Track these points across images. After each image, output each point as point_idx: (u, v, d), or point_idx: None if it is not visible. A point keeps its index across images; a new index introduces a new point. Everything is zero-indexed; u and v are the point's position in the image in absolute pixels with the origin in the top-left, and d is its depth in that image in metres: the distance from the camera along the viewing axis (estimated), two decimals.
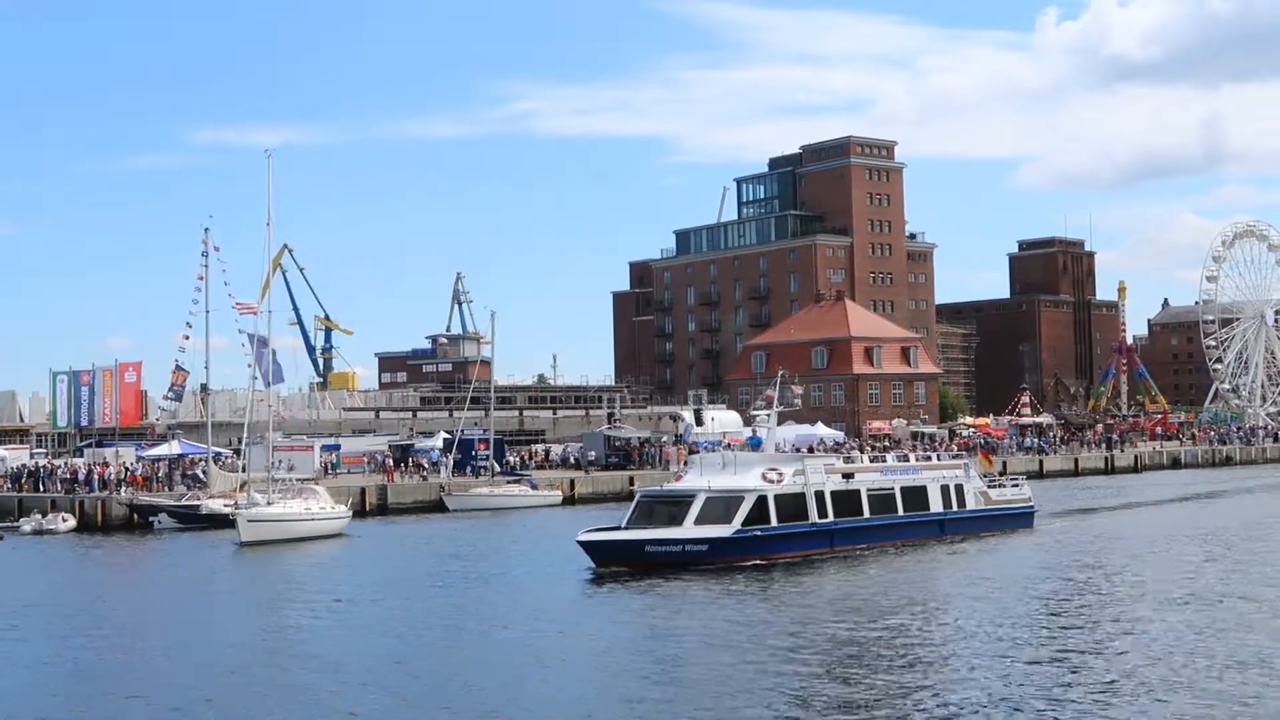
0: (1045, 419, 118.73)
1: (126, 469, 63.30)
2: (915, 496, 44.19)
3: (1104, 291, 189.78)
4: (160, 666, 25.78)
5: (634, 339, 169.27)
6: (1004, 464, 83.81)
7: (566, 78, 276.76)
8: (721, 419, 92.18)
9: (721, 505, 38.75)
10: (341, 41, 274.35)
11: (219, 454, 66.30)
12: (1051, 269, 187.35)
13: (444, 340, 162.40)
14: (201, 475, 61.74)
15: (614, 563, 37.52)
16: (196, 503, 57.07)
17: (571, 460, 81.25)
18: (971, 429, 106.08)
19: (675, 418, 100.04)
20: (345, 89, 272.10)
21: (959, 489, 45.89)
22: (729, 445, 57.45)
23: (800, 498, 40.22)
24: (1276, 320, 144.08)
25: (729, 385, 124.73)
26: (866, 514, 42.31)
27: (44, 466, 66.44)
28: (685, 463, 49.05)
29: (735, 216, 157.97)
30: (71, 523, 56.41)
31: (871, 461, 48.89)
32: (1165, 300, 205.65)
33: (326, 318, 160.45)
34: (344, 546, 48.80)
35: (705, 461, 43.66)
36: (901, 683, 22.22)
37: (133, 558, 48.73)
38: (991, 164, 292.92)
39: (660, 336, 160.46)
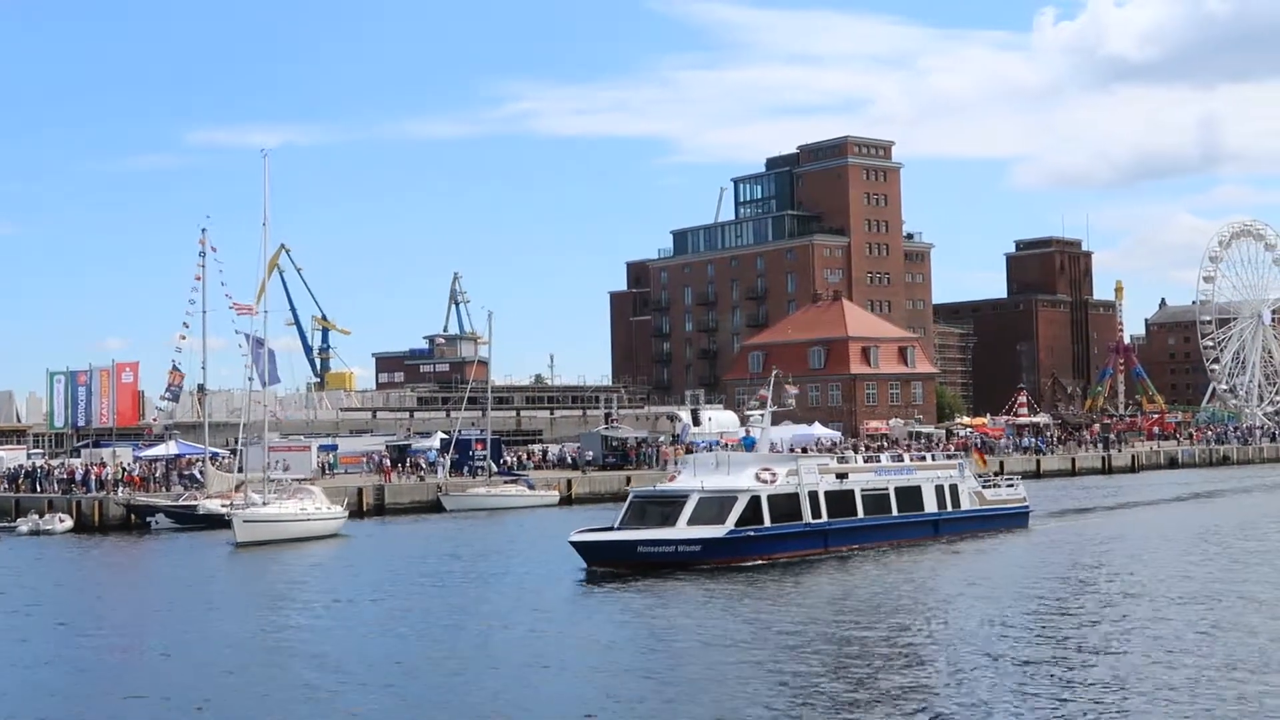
0: (1042, 419, 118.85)
1: (123, 469, 63.37)
2: (909, 497, 44.15)
3: (1101, 291, 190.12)
4: (159, 666, 25.86)
5: (631, 339, 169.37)
6: (1001, 464, 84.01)
7: (564, 78, 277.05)
8: (719, 419, 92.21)
9: (715, 505, 38.65)
10: (340, 42, 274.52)
11: (216, 454, 66.37)
12: (1049, 269, 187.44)
13: (441, 340, 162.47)
14: (199, 475, 61.81)
15: (606, 563, 37.45)
16: (194, 503, 57.13)
17: (569, 460, 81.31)
18: (969, 429, 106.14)
19: (672, 418, 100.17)
20: (344, 89, 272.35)
21: (953, 489, 45.88)
22: (726, 445, 57.49)
23: (794, 498, 40.16)
24: (1274, 320, 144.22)
25: (726, 385, 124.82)
26: (860, 514, 42.24)
27: (41, 467, 66.46)
28: (679, 463, 48.96)
29: (732, 216, 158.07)
30: (68, 523, 56.46)
31: (866, 461, 48.87)
32: (1162, 300, 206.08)
33: (324, 318, 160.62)
34: (340, 547, 48.84)
35: (698, 461, 43.45)
36: (897, 683, 22.28)
37: (130, 558, 48.79)
38: (989, 164, 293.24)
39: (657, 336, 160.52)
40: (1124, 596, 31.84)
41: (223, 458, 67.38)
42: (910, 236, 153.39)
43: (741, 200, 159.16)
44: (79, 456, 72.05)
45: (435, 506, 64.44)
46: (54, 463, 69.52)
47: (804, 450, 63.76)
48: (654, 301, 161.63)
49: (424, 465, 73.50)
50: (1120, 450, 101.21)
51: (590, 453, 79.51)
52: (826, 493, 41.21)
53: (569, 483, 71.05)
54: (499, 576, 38.03)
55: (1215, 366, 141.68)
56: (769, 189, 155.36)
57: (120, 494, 59.60)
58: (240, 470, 57.90)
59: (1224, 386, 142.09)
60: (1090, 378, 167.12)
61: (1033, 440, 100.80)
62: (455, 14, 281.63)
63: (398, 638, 28.10)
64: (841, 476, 42.49)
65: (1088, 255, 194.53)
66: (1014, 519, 48.64)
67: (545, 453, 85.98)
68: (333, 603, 33.81)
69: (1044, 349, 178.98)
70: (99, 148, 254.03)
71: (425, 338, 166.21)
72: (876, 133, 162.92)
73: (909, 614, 29.58)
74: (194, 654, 26.87)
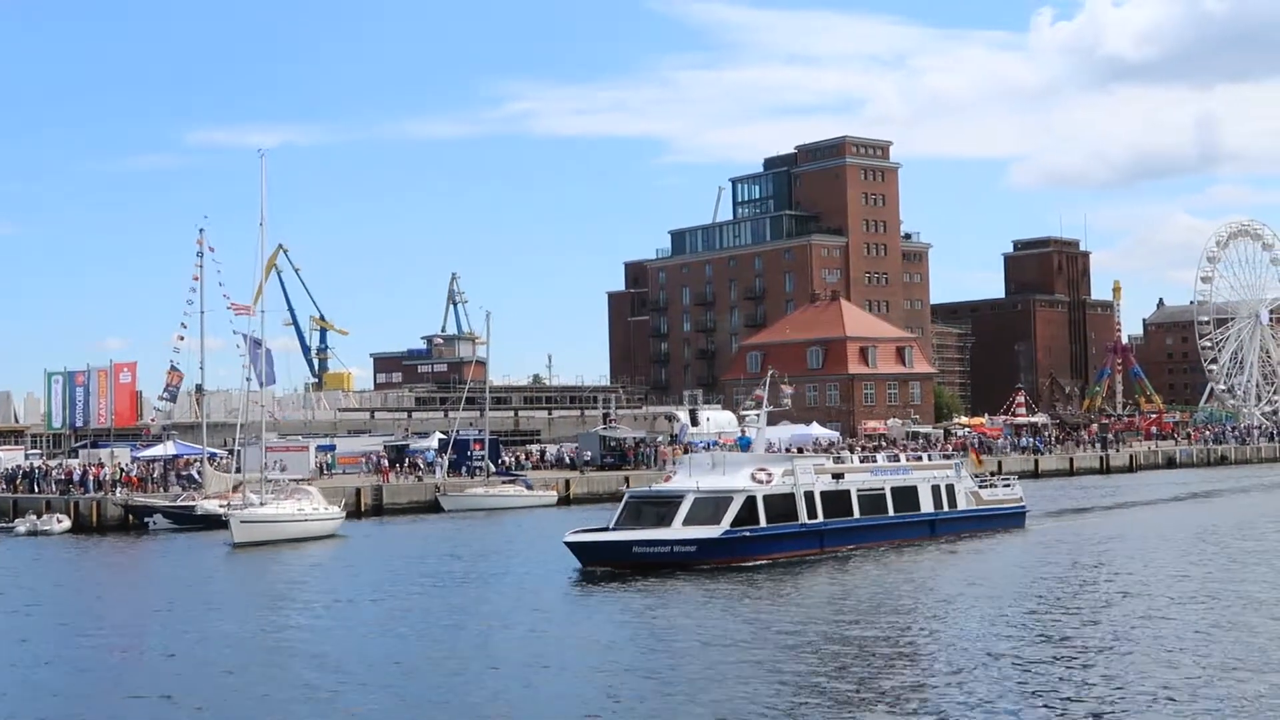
0: (1040, 419, 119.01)
1: (121, 470, 63.38)
2: (906, 497, 44.11)
3: (1099, 291, 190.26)
4: (159, 666, 25.86)
5: (629, 339, 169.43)
6: (999, 463, 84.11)
7: (563, 78, 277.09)
8: (717, 419, 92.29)
9: (710, 506, 38.56)
10: (339, 42, 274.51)
11: (214, 454, 66.39)
12: (1046, 269, 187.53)
13: (439, 340, 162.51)
14: (196, 476, 61.80)
15: (601, 564, 37.36)
16: (191, 503, 57.13)
17: (567, 460, 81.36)
18: (967, 429, 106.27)
19: (670, 418, 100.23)
20: (342, 89, 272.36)
21: (950, 489, 45.84)
22: (724, 445, 57.48)
23: (790, 498, 40.10)
24: (1271, 320, 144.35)
25: (724, 385, 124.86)
26: (856, 514, 42.16)
27: (39, 467, 66.52)
28: (674, 463, 48.95)
29: (730, 216, 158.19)
30: (66, 523, 56.48)
31: (861, 461, 48.80)
32: (1160, 300, 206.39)
33: (322, 318, 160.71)
34: (337, 547, 48.86)
35: (694, 462, 43.27)
36: (896, 683, 22.31)
37: (128, 559, 48.81)
38: (986, 164, 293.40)
39: (655, 336, 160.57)
40: (1122, 596, 31.85)
41: (221, 458, 67.38)
42: (908, 236, 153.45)
43: (739, 200, 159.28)
44: (77, 457, 72.13)
45: (433, 507, 64.47)
46: (52, 463, 69.56)
47: (799, 450, 63.70)
48: (652, 301, 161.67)
49: (422, 465, 73.55)
50: (1118, 450, 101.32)
51: (588, 453, 79.58)
52: (822, 493, 41.12)
53: (567, 483, 71.11)
54: (498, 576, 38.03)
55: (1213, 367, 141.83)
56: (767, 189, 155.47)
57: (118, 494, 59.64)
58: (238, 471, 57.91)
59: (1222, 386, 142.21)
60: (1088, 378, 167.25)
61: (1031, 440, 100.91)
62: (454, 14, 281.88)
63: (397, 638, 28.11)
64: (837, 477, 42.41)
65: (1085, 255, 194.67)
66: (1010, 519, 48.60)
67: (543, 453, 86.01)
68: (332, 603, 33.81)
69: (1042, 349, 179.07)
70: (98, 148, 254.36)
71: (423, 338, 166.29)
72: (874, 133, 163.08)
73: (906, 614, 29.60)
74: (193, 654, 26.89)
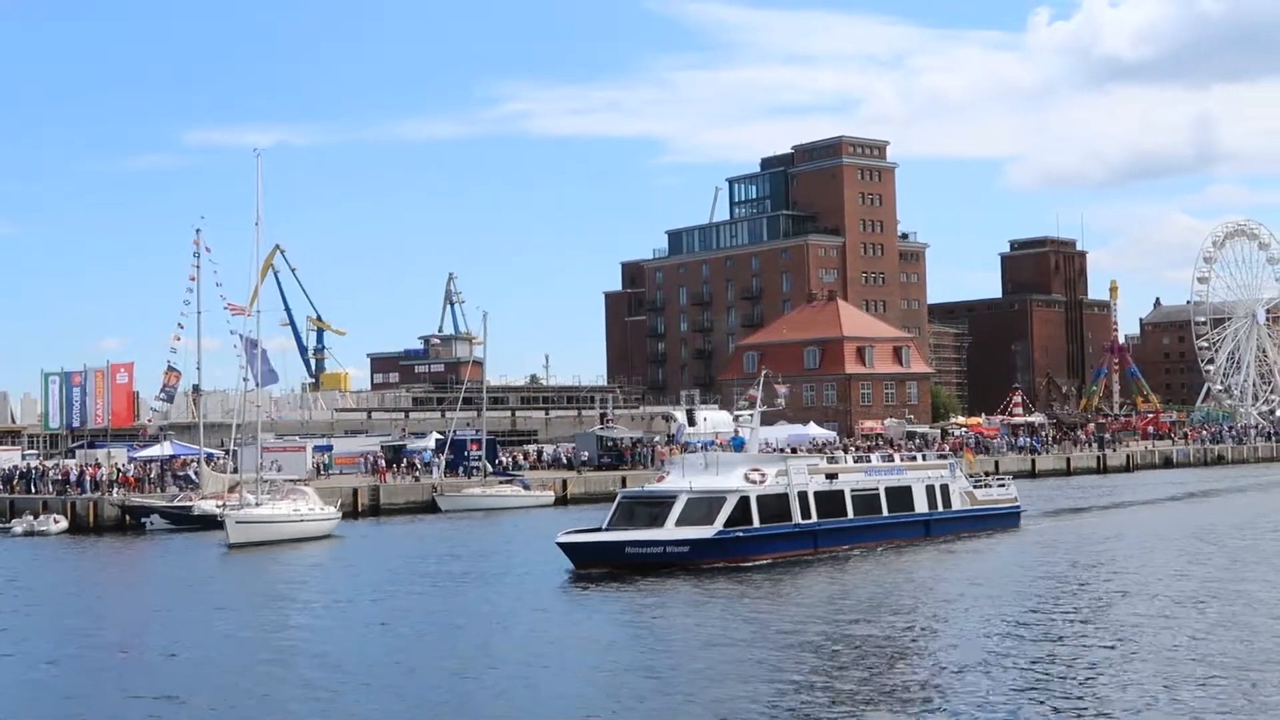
0: (1037, 418, 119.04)
1: (118, 470, 63.38)
2: (900, 497, 44.05)
3: (1096, 291, 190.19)
4: (159, 667, 25.92)
5: (626, 339, 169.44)
6: (996, 463, 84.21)
7: (559, 78, 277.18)
8: (714, 419, 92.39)
9: (703, 506, 38.47)
10: (336, 42, 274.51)
11: (211, 455, 66.43)
12: (1043, 269, 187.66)
13: (436, 341, 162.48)
14: (193, 476, 61.83)
15: (594, 564, 37.23)
16: (188, 504, 57.17)
17: (564, 460, 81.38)
18: (964, 429, 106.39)
19: (668, 418, 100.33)
20: (339, 90, 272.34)
21: (944, 489, 45.80)
22: (720, 445, 57.52)
23: (783, 498, 40.02)
24: (1268, 319, 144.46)
25: (721, 385, 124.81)
26: (850, 515, 42.09)
27: (36, 468, 66.51)
28: (668, 463, 48.94)
29: (727, 216, 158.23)
30: (63, 524, 56.54)
31: (855, 461, 48.74)
32: (1157, 299, 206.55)
33: (318, 318, 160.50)
34: (332, 548, 48.88)
35: (687, 462, 43.22)
36: (896, 684, 22.37)
37: (124, 559, 48.86)
38: (983, 164, 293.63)
39: (652, 336, 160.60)
40: (1118, 595, 31.93)
41: (218, 459, 67.41)
42: (905, 236, 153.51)
43: (736, 200, 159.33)
44: (74, 457, 72.11)
45: (430, 507, 64.51)
46: (49, 463, 69.53)
47: (793, 450, 63.75)
48: (649, 301, 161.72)
49: (419, 465, 73.54)
50: (1115, 450, 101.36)
51: (585, 453, 79.62)
52: (816, 493, 41.05)
53: (564, 483, 71.16)
54: (493, 576, 38.07)
55: (1210, 367, 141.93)
56: (764, 189, 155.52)
57: (115, 495, 59.67)
58: (235, 471, 57.94)
59: (1219, 387, 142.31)
60: (1085, 377, 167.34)
61: (1028, 440, 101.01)
62: (451, 14, 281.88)
63: (394, 638, 28.16)
64: (831, 477, 42.35)
65: (1082, 255, 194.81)
66: (1005, 519, 48.61)
67: (540, 453, 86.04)
68: (329, 603, 33.91)
69: (1039, 349, 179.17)
70: (95, 148, 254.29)
71: (420, 338, 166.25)
72: (871, 133, 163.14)
73: (901, 614, 29.64)
74: (192, 654, 26.99)
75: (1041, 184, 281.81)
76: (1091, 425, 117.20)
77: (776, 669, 23.48)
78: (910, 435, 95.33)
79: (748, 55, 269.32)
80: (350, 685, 23.23)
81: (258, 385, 57.74)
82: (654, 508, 39.25)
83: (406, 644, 27.37)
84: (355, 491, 63.72)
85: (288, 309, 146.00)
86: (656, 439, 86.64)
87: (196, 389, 73.80)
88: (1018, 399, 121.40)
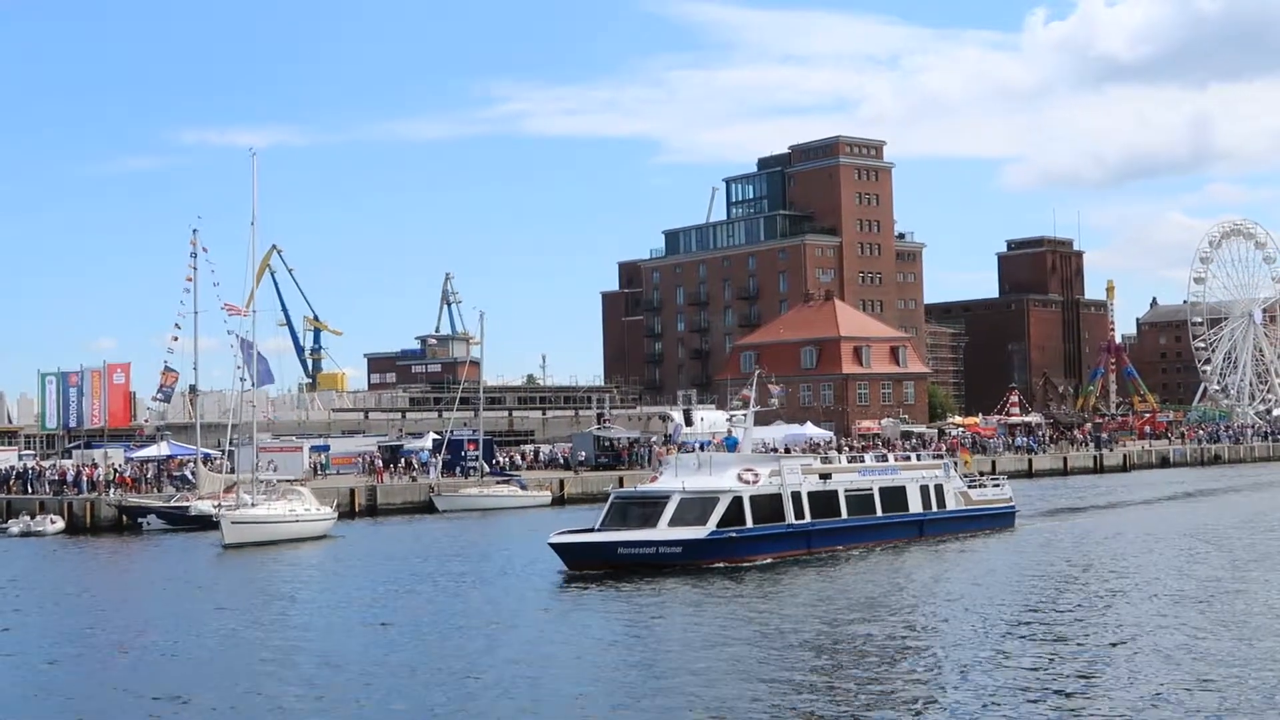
0: (1034, 418, 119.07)
1: (115, 470, 63.38)
2: (894, 497, 43.99)
3: (1092, 291, 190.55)
4: (159, 667, 25.97)
5: (623, 339, 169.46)
6: (993, 463, 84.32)
7: (555, 78, 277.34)
8: (711, 419, 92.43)
9: (696, 506, 38.36)
10: (331, 42, 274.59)
11: (208, 455, 66.44)
12: (1040, 268, 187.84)
13: (433, 341, 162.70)
14: (190, 476, 61.84)
15: (586, 565, 37.07)
16: (185, 504, 57.16)
17: (561, 461, 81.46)
18: (961, 429, 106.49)
19: (665, 418, 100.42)
20: (335, 90, 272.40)
21: (938, 489, 45.78)
22: (715, 445, 57.47)
23: (776, 498, 39.93)
24: (1265, 318, 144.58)
25: (718, 385, 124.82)
26: (844, 515, 42.02)
27: (32, 468, 66.54)
28: (661, 463, 48.95)
29: (724, 216, 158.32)
30: (60, 524, 56.57)
31: (849, 461, 48.69)
32: (1154, 299, 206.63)
33: (315, 318, 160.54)
34: (328, 548, 48.89)
35: (680, 462, 43.01)
36: (890, 684, 22.41)
37: (121, 559, 48.88)
38: (980, 164, 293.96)
39: (649, 337, 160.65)
40: (1114, 595, 32.00)
41: (215, 459, 67.41)
42: (902, 236, 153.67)
43: (733, 200, 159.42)
44: (70, 458, 72.14)
45: (428, 507, 64.55)
46: (45, 464, 69.60)
47: (786, 451, 63.81)
48: (646, 301, 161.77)
49: (416, 466, 73.57)
50: (1112, 450, 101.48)
51: (582, 453, 79.67)
52: (810, 493, 40.93)
53: (561, 483, 71.23)
54: (485, 577, 38.06)
55: (1207, 368, 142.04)
56: (761, 189, 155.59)
57: (112, 495, 59.69)
58: (233, 471, 57.96)
59: (1216, 387, 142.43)
60: (1082, 377, 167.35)
61: (1025, 440, 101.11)
62: (447, 15, 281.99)
63: (394, 638, 28.17)
64: (825, 477, 42.24)
65: (1079, 255, 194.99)
66: (1000, 519, 48.60)
67: (537, 453, 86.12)
68: (328, 604, 33.92)
69: (1035, 348, 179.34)
70: (92, 148, 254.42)
71: (417, 338, 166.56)
72: (868, 132, 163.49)
73: (895, 615, 29.67)
74: (192, 654, 27.05)
75: (1038, 184, 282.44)
76: (1088, 425, 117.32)
77: (776, 669, 23.53)
78: (907, 435, 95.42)
79: (744, 55, 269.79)
80: (354, 685, 23.29)
81: (254, 385, 57.77)
82: (647, 508, 39.12)
83: (403, 644, 27.37)
84: (352, 491, 63.80)
85: (285, 309, 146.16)
86: (653, 439, 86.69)
87: (193, 389, 73.88)
88: (1015, 399, 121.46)
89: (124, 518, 57.79)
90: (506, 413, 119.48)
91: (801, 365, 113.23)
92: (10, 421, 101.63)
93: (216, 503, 54.54)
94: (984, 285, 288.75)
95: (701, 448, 62.00)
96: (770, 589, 34.25)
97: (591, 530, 39.03)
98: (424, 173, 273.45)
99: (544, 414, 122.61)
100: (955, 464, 51.88)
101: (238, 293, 58.61)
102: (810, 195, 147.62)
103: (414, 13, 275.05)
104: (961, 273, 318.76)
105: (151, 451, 68.19)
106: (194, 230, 58.08)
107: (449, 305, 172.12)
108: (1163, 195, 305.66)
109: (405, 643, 27.52)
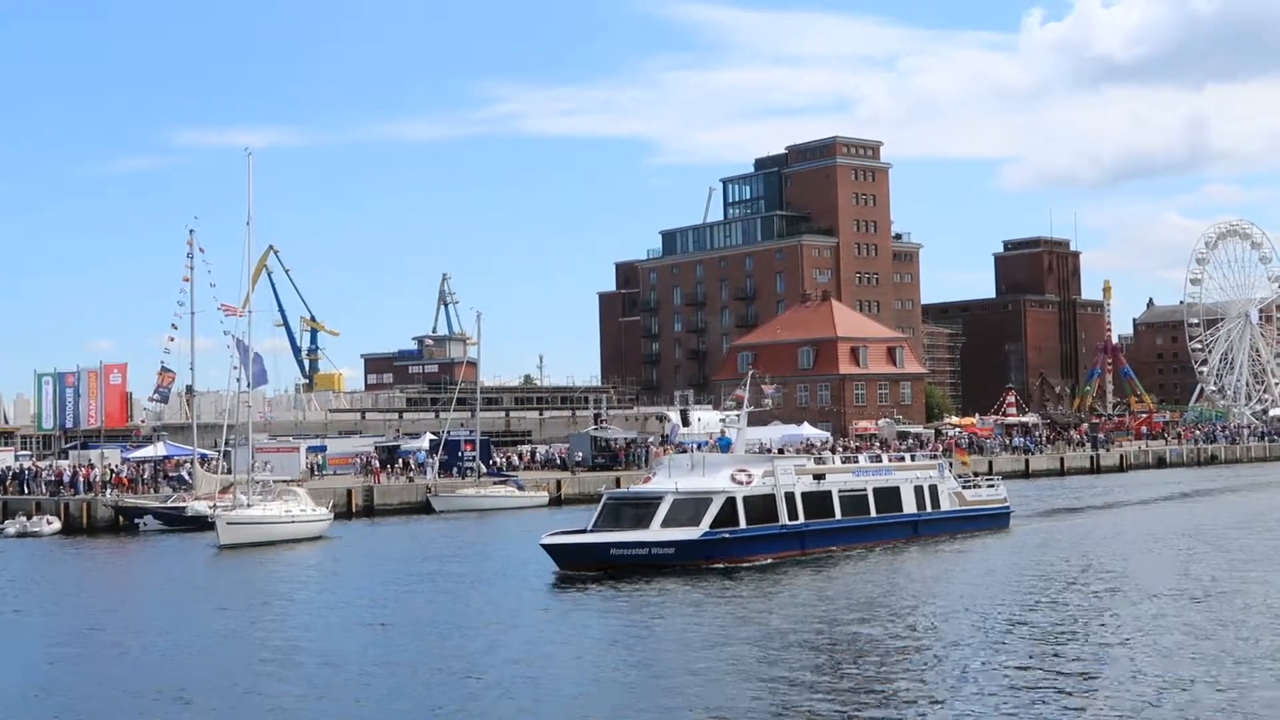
0: (1031, 418, 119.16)
1: (112, 471, 63.39)
2: (888, 497, 43.99)
3: (1089, 291, 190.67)
4: (158, 667, 26.02)
5: (620, 339, 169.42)
6: (990, 463, 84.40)
7: (551, 79, 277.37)
8: (708, 419, 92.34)
9: (690, 507, 38.31)
10: (329, 43, 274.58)
11: (205, 455, 66.50)
12: (1037, 269, 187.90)
13: (430, 341, 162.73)
14: (186, 477, 61.84)
15: (579, 566, 36.99)
16: (182, 505, 57.15)
17: (558, 461, 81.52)
18: (958, 429, 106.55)
19: (662, 418, 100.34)
20: (332, 91, 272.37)
21: (933, 490, 45.80)
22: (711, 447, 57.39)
23: (770, 499, 39.90)
24: (1261, 319, 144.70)
25: (715, 386, 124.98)
26: (838, 515, 41.99)
27: (29, 468, 66.52)
28: (654, 463, 48.89)
29: (721, 217, 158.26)
30: (56, 525, 56.56)
31: (843, 462, 48.65)
32: (1150, 300, 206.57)
33: (312, 319, 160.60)
34: (323, 549, 48.90)
35: (673, 463, 42.94)
36: (889, 684, 22.49)
37: (118, 560, 48.90)
38: (977, 164, 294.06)
39: (646, 337, 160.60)
40: (1110, 595, 32.08)
41: (211, 459, 67.45)
42: (899, 237, 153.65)
43: (730, 201, 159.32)
44: (67, 458, 72.18)
45: (424, 507, 64.61)
46: (42, 464, 69.61)
47: (780, 451, 63.82)
48: (643, 302, 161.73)
49: (413, 466, 73.60)
50: (1108, 450, 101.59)
51: (579, 453, 79.76)
52: (803, 494, 40.91)
53: (558, 483, 71.27)
54: (495, 577, 38.07)
55: (1203, 368, 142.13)
56: (757, 189, 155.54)
57: (108, 496, 59.70)
58: (230, 472, 57.97)
59: (1212, 387, 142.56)
60: (1078, 377, 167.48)
61: (1021, 440, 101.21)
62: (443, 16, 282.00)
63: (393, 638, 28.24)
64: (819, 477, 42.20)
65: (1076, 255, 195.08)
66: (994, 519, 48.60)
67: (534, 453, 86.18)
68: (322, 604, 33.98)
69: (1032, 349, 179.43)
70: (88, 149, 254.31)
71: (414, 339, 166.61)
72: (865, 133, 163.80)
73: (891, 615, 29.73)
74: (191, 654, 27.14)
75: (1035, 184, 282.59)
76: (1085, 425, 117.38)
77: (775, 669, 23.60)
78: (903, 435, 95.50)
79: (742, 56, 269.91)
80: (354, 685, 23.35)
81: (250, 386, 57.79)
82: (640, 509, 39.04)
83: (406, 644, 27.40)
84: (349, 492, 63.83)
85: (282, 310, 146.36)
86: (650, 440, 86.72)
87: (190, 390, 73.98)
88: (1011, 399, 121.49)
89: (120, 518, 57.79)
90: (503, 413, 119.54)
91: (798, 366, 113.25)
92: (7, 422, 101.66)
93: (213, 504, 54.60)
94: (981, 286, 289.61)
95: (698, 448, 62.01)
96: (769, 589, 34.26)
97: (584, 531, 38.94)
98: (421, 173, 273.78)
99: (541, 414, 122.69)
100: (951, 465, 51.94)
101: (235, 293, 58.72)
102: (807, 196, 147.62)
103: (412, 13, 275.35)
104: (958, 273, 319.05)
105: (148, 452, 68.22)
106: (191, 231, 58.23)
107: (446, 305, 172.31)
108: (1159, 196, 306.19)
109: (405, 643, 27.59)
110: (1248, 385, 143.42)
